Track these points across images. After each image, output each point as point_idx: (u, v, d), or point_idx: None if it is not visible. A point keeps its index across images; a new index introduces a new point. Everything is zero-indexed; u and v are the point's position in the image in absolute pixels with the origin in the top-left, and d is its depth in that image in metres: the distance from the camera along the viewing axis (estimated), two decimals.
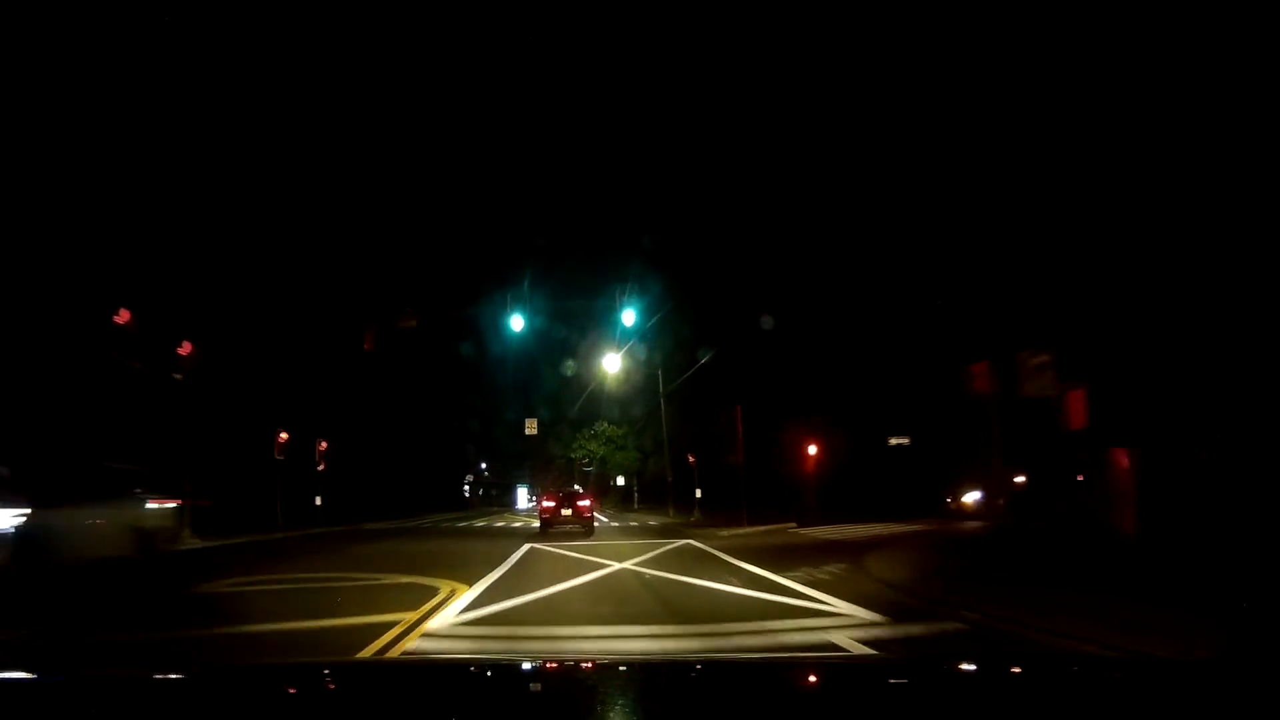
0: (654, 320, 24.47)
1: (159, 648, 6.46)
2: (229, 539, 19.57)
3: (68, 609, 8.63)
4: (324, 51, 38.48)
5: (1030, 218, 21.48)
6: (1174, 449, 16.13)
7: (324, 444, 33.01)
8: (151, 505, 13.46)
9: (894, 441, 32.08)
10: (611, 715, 1.70)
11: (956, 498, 28.77)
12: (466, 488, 76.09)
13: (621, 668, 2.57)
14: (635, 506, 43.56)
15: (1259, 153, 15.95)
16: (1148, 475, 12.84)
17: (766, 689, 1.98)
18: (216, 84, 27.98)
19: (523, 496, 70.68)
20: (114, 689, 1.83)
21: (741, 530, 21.19)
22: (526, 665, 2.80)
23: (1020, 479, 22.14)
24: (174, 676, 2.09)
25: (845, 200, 30.97)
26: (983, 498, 26.31)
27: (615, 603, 8.54)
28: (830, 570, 11.19)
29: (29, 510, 10.14)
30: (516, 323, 19.38)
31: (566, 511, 20.62)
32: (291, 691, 1.94)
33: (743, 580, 10.27)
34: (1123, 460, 12.94)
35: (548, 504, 21.27)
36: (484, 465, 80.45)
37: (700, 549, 15.59)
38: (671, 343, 31.41)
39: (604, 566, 12.09)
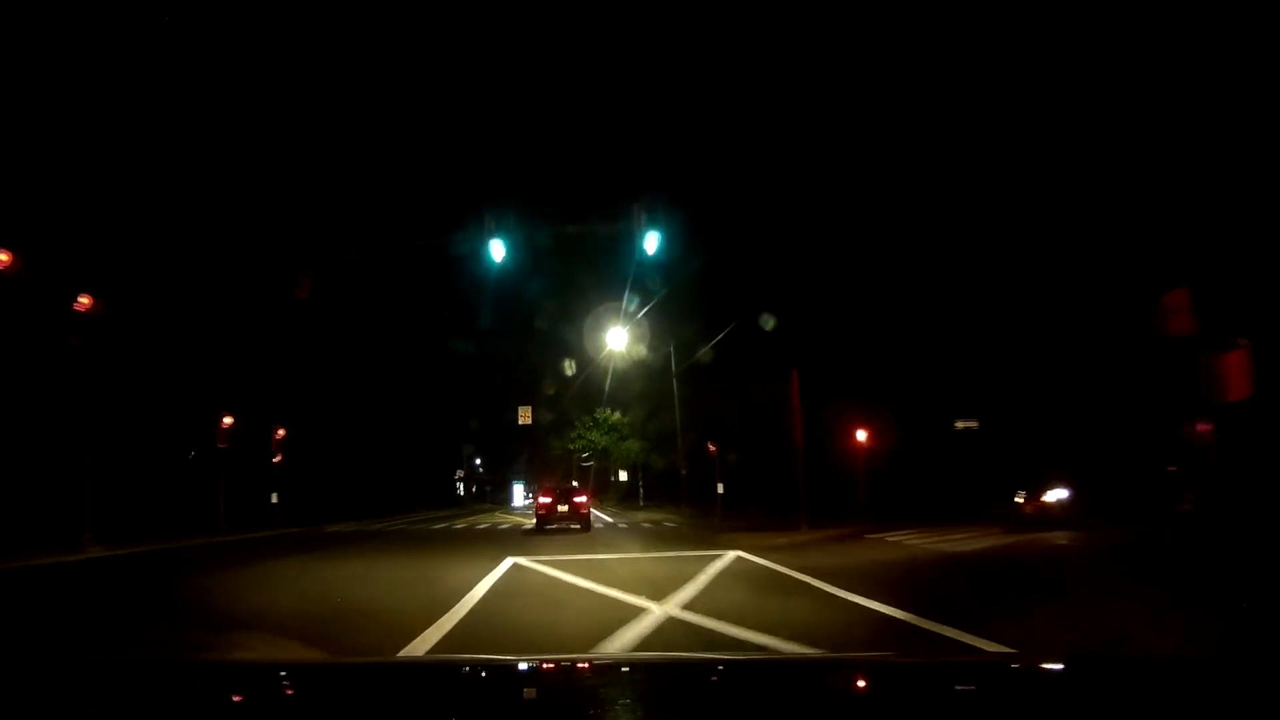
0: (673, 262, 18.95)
1: None
2: (145, 545, 16.59)
3: None
4: None
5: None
6: None
7: (281, 431, 28.47)
8: None
9: (960, 425, 26.18)
10: (611, 715, 1.59)
11: (1035, 495, 22.84)
12: (460, 485, 71.33)
13: (623, 668, 2.41)
14: (641, 504, 38.36)
15: None
16: None
17: (782, 692, 1.80)
18: None
19: (519, 493, 65.86)
20: None
21: (802, 536, 15.52)
22: (524, 665, 2.48)
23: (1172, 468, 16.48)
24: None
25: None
26: (1070, 496, 20.50)
27: None
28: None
29: None
30: (497, 250, 13.68)
31: (563, 508, 20.96)
32: (290, 693, 1.86)
33: None
34: None
35: (544, 500, 21.83)
36: (478, 461, 75.88)
37: (773, 571, 9.85)
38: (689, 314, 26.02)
39: (634, 613, 6.44)
